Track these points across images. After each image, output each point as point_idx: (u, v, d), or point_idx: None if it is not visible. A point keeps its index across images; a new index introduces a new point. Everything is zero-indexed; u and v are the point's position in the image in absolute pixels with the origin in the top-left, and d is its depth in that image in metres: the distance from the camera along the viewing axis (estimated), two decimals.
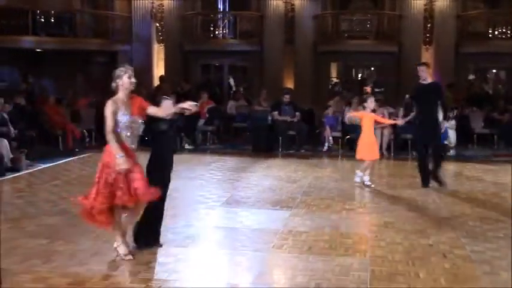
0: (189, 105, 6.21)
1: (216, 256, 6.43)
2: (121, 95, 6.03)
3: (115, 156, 5.76)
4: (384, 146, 14.41)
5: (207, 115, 16.28)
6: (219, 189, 10.12)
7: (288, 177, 11.29)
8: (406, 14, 19.77)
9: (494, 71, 21.46)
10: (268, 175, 11.52)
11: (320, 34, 20.27)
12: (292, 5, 20.01)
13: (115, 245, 6.13)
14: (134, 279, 5.53)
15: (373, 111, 10.55)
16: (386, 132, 14.45)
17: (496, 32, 19.80)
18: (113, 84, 6.04)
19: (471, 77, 20.42)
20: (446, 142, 14.44)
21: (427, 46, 19.48)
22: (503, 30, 19.72)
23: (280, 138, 15.05)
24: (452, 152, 14.35)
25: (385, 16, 20.52)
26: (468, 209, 8.65)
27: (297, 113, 15.31)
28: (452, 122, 14.63)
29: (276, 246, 6.71)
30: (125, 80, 6.00)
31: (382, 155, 13.28)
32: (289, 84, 19.57)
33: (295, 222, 7.81)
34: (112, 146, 5.82)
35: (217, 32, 20.99)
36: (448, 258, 6.28)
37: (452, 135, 14.70)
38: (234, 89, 20.49)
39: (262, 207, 8.70)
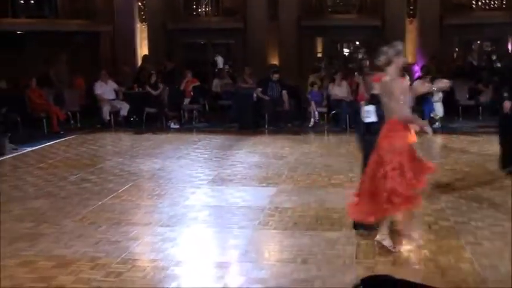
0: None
1: (202, 234, 6.44)
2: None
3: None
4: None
5: (192, 94, 16.22)
6: (205, 167, 10.10)
7: (275, 153, 11.30)
8: None
9: (478, 42, 21.43)
10: (255, 152, 11.51)
11: (304, 9, 20.15)
12: None
13: (379, 237, 5.76)
14: (121, 260, 5.52)
15: None
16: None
17: (480, 3, 19.77)
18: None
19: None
20: (432, 115, 14.49)
21: (411, 19, 19.41)
22: (487, 1, 19.69)
23: (266, 115, 15.02)
24: (438, 125, 14.39)
25: None
26: (453, 181, 8.71)
27: (284, 91, 15.24)
28: (440, 95, 14.64)
29: (262, 223, 6.73)
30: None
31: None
32: (274, 60, 19.47)
33: (281, 198, 7.83)
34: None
35: (200, 10, 20.83)
36: (433, 230, 6.34)
37: (439, 107, 14.73)
38: (220, 66, 20.34)
39: (249, 185, 8.71)
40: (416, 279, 4.62)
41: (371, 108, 6.14)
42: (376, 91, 5.94)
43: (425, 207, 7.12)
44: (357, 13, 20.38)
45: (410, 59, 18.30)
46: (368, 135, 6.10)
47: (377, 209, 5.56)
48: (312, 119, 15.18)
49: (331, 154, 11.20)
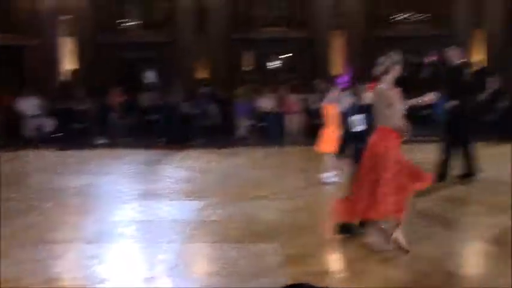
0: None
1: (129, 250, 6.40)
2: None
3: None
4: (297, 132, 14.70)
5: (119, 108, 16.06)
6: (132, 183, 10.04)
7: (202, 167, 11.35)
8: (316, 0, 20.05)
9: (404, 54, 22.03)
10: (182, 167, 11.53)
11: (233, 22, 20.27)
12: None
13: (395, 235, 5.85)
14: (45, 280, 5.41)
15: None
16: (295, 119, 14.76)
17: (404, 16, 20.42)
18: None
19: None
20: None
21: (338, 31, 19.78)
22: (411, 14, 20.39)
23: (194, 129, 15.03)
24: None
25: (296, 2, 20.75)
26: None
27: (211, 105, 15.29)
28: (366, 106, 15.00)
29: (190, 236, 6.76)
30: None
31: (295, 141, 13.54)
32: (203, 73, 19.52)
33: (208, 211, 7.87)
34: None
35: (127, 24, 20.66)
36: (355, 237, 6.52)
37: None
38: (150, 81, 20.17)
39: (176, 199, 8.72)
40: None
41: (360, 117, 6.42)
42: (367, 100, 6.16)
43: None
44: (286, 26, 20.68)
45: (337, 71, 18.74)
46: (357, 143, 6.37)
47: (370, 210, 5.76)
48: (240, 132, 15.31)
49: (259, 167, 11.34)
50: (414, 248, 5.89)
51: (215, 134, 15.16)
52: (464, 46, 13.81)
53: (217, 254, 6.10)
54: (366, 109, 6.26)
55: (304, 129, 15.04)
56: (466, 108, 9.32)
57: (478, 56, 19.02)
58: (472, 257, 6.25)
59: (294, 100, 15.56)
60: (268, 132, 14.85)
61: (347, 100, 10.66)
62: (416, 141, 13.40)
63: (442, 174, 9.23)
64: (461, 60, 9.50)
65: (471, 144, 9.42)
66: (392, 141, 5.75)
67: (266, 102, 15.24)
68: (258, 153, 13.57)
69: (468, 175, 9.36)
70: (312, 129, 14.75)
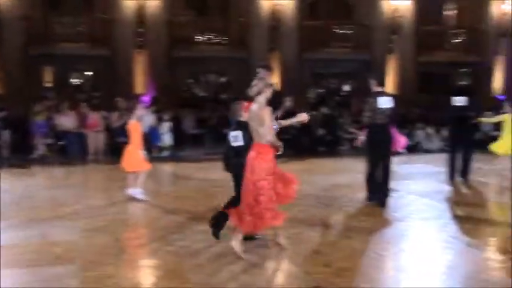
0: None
1: None
2: None
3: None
4: (99, 150, 14.33)
5: None
6: None
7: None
8: (118, 18, 19.80)
9: (204, 74, 22.57)
10: None
11: (31, 36, 19.26)
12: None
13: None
14: None
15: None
16: (97, 137, 14.41)
17: (205, 38, 20.88)
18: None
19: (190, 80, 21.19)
20: (160, 144, 14.88)
21: (140, 50, 19.74)
22: (211, 36, 20.91)
23: None
24: (165, 153, 14.79)
25: (97, 19, 20.33)
26: (179, 206, 9.00)
27: (3, 131, 14.31)
28: (168, 125, 15.09)
29: None
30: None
31: (97, 159, 13.17)
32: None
33: (6, 235, 7.31)
34: None
35: None
36: (159, 255, 6.45)
37: (167, 137, 15.17)
38: None
39: None
40: None
41: (238, 133, 6.76)
42: (243, 118, 6.64)
43: (151, 235, 7.26)
44: (88, 43, 20.11)
45: (140, 90, 18.66)
46: (236, 158, 6.75)
47: (257, 221, 6.27)
48: (38, 151, 14.53)
49: (57, 186, 10.83)
50: None
51: (13, 153, 14.21)
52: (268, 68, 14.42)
53: (10, 280, 5.66)
54: (243, 126, 6.66)
55: (106, 147, 14.70)
56: None
57: (274, 78, 20.08)
58: None
59: (95, 118, 15.16)
60: (69, 150, 14.27)
61: (149, 118, 10.68)
62: (209, 160, 13.96)
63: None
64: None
65: None
66: (267, 156, 6.29)
67: (65, 120, 14.65)
68: (58, 173, 12.97)
69: None
70: (115, 147, 14.52)
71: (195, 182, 11.41)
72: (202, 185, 10.98)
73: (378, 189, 9.09)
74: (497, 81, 22.50)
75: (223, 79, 21.89)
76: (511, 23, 22.14)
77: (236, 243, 6.33)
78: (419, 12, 22.23)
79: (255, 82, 6.41)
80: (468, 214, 8.62)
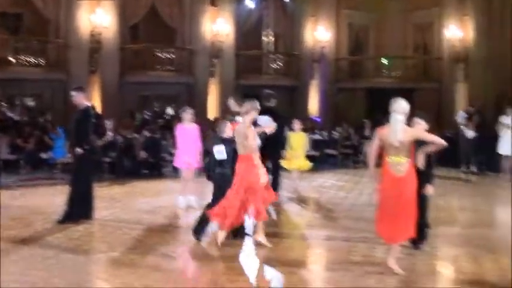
0: None
1: None
2: None
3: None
4: None
5: None
6: None
7: None
8: None
9: (19, 97, 21.43)
10: None
11: None
12: None
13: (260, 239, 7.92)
14: None
15: None
16: None
17: (20, 60, 19.88)
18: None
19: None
20: None
21: None
22: (27, 58, 19.97)
23: None
24: None
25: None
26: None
27: None
28: None
29: None
30: None
31: None
32: None
33: None
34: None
35: None
36: None
37: None
38: None
39: None
40: None
41: (222, 148, 7.93)
42: (226, 135, 7.96)
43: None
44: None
45: None
46: (219, 169, 8.02)
47: (239, 215, 7.71)
48: None
49: None
50: None
51: None
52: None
53: None
54: (226, 142, 7.95)
55: None
56: (93, 149, 9.54)
57: (94, 100, 19.73)
58: None
59: None
60: None
61: None
62: (25, 186, 13.29)
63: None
64: (87, 104, 9.64)
65: (91, 184, 9.61)
66: (255, 167, 7.63)
67: None
68: None
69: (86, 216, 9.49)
70: None
71: (12, 210, 10.64)
72: (20, 212, 10.34)
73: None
74: (312, 104, 23.90)
75: (40, 102, 21.03)
76: (321, 51, 23.71)
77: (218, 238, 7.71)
78: (239, 37, 23.05)
79: (246, 103, 7.73)
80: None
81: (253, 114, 7.71)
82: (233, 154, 7.87)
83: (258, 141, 7.85)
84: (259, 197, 7.65)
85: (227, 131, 8.03)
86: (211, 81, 22.24)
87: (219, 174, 8.02)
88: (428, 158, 7.43)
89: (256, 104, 7.78)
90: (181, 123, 10.99)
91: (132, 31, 22.55)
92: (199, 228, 8.09)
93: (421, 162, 7.21)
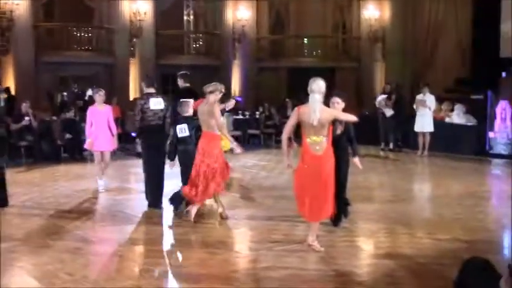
0: None
1: None
2: None
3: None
4: None
5: None
6: None
7: None
8: None
9: None
10: None
11: None
12: None
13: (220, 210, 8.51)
14: None
15: None
16: None
17: None
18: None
19: None
20: None
21: None
22: None
23: None
24: None
25: None
26: None
27: None
28: None
29: None
30: None
31: None
32: None
33: None
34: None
35: None
36: None
37: None
38: None
39: None
40: None
41: (185, 126, 8.50)
42: (188, 114, 8.55)
43: None
44: None
45: None
46: (181, 146, 8.56)
47: (206, 191, 8.06)
48: None
49: None
50: None
51: None
52: None
53: None
54: (188, 120, 8.55)
55: None
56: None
57: (8, 82, 19.12)
58: None
59: None
60: None
61: None
62: None
63: None
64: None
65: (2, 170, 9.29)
66: (215, 142, 8.11)
67: None
68: None
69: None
70: None
71: None
72: None
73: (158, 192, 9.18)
74: (235, 84, 23.89)
75: None
76: (242, 30, 23.65)
77: (191, 212, 8.12)
78: (159, 16, 22.70)
79: (213, 83, 8.15)
80: None
81: (218, 95, 8.08)
82: (195, 132, 8.45)
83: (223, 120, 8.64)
84: (219, 171, 8.06)
85: (189, 110, 8.56)
86: (131, 61, 21.84)
87: (181, 152, 8.58)
88: (348, 135, 7.64)
89: (222, 86, 8.19)
90: (93, 105, 10.79)
91: (47, 9, 21.80)
92: (175, 197, 8.69)
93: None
